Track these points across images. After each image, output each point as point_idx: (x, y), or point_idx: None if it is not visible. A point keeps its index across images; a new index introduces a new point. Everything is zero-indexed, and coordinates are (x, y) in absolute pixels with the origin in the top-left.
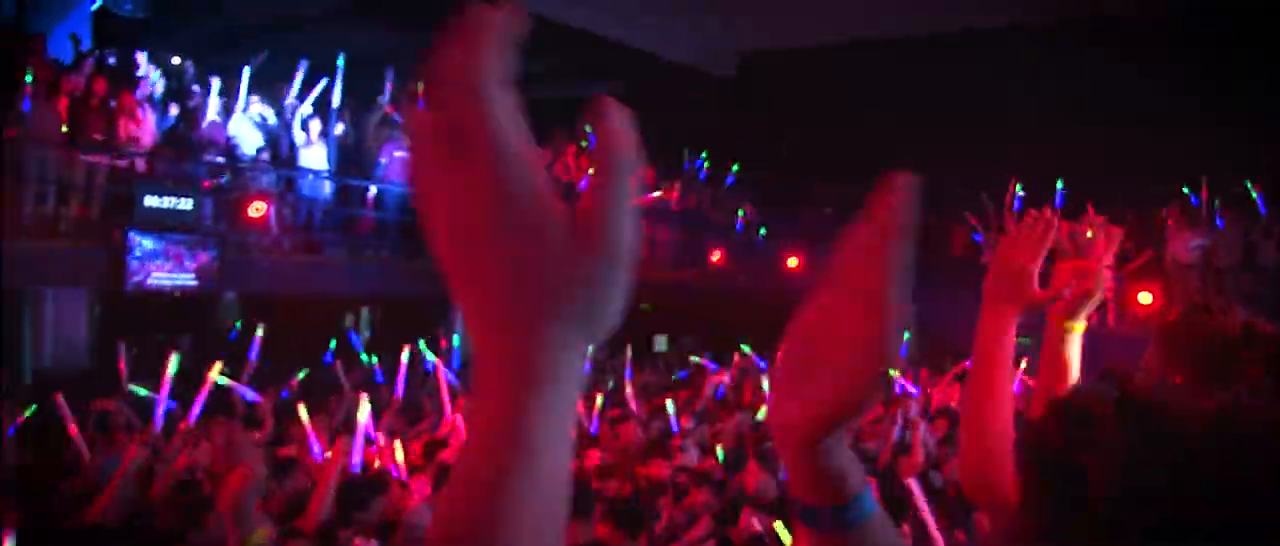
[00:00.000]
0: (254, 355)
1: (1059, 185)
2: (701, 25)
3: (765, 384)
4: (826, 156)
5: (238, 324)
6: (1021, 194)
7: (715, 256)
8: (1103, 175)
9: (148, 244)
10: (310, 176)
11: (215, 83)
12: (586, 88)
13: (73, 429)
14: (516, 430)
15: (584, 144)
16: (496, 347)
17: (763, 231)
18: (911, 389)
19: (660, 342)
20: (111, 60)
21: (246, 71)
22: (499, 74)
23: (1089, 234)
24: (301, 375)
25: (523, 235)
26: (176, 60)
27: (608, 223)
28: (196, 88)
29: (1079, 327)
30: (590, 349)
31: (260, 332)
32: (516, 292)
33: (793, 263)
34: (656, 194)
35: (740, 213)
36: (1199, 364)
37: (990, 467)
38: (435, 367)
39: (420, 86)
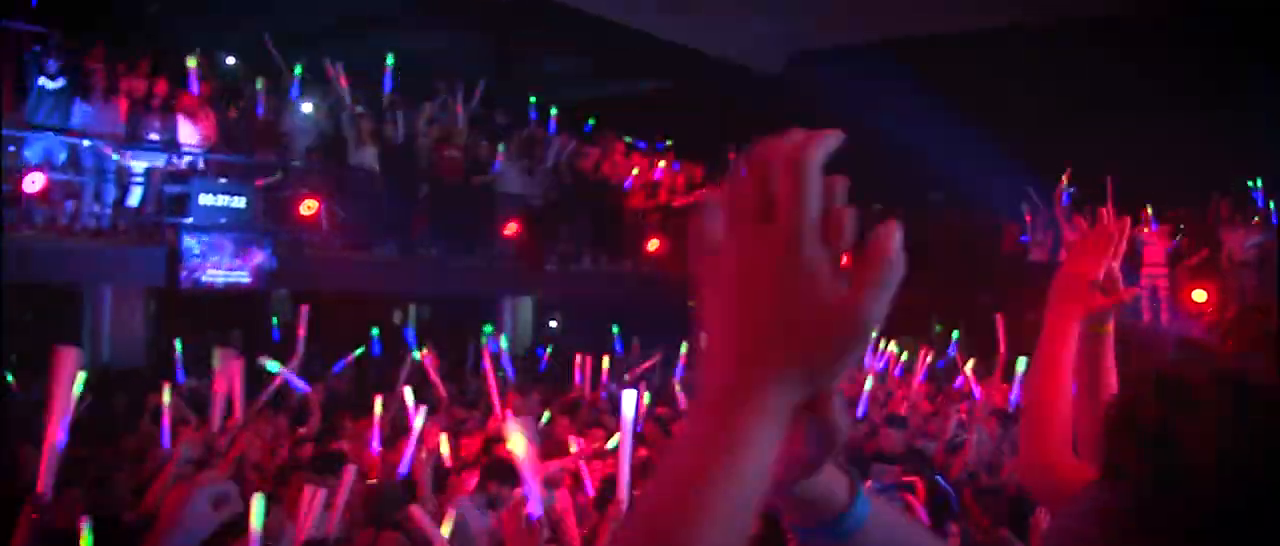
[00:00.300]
0: (301, 346)
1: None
2: (749, 21)
3: None
4: (873, 156)
5: (274, 320)
6: (1071, 190)
7: None
8: (1155, 172)
9: (202, 242)
10: (361, 175)
11: (269, 83)
12: (632, 85)
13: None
14: (729, 450)
15: (630, 141)
16: (734, 380)
17: None
18: (971, 387)
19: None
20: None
21: (299, 71)
22: (820, 164)
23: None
24: (358, 352)
25: (796, 300)
26: (232, 60)
27: (865, 314)
28: (251, 88)
29: (1108, 329)
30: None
31: (305, 318)
32: (773, 343)
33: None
34: (702, 191)
35: None
36: None
37: (1051, 466)
38: (486, 364)
39: (742, 154)
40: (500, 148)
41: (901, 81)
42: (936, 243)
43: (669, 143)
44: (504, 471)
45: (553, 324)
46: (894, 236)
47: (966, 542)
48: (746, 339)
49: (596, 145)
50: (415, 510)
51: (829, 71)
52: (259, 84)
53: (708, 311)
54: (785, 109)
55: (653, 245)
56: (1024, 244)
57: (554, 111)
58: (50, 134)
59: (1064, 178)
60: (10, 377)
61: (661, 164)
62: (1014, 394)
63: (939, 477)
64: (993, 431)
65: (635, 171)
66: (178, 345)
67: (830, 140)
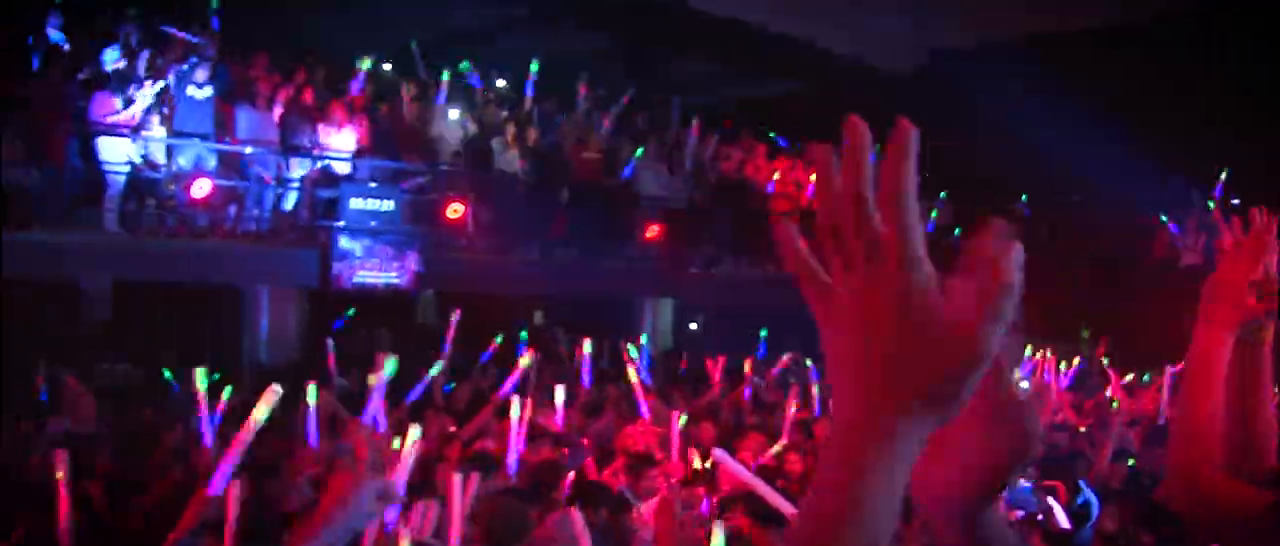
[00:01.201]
0: (448, 347)
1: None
2: (883, 21)
3: None
4: (1013, 157)
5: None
6: (1224, 192)
7: None
8: None
9: (353, 244)
10: (504, 178)
11: (417, 90)
12: (768, 87)
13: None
14: (856, 488)
15: (772, 142)
16: (861, 417)
17: (957, 232)
18: (1118, 396)
19: None
20: (322, 73)
21: (445, 77)
22: (914, 186)
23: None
24: (499, 339)
25: (913, 335)
26: (385, 67)
27: (982, 343)
28: (400, 95)
29: (1265, 337)
30: None
31: (454, 319)
32: (894, 379)
33: None
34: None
35: (933, 214)
36: None
37: (1200, 481)
38: (625, 365)
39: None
40: (640, 151)
41: (1041, 80)
42: (1081, 246)
43: (807, 144)
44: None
45: (693, 326)
46: (1011, 258)
47: None
48: (869, 376)
49: (738, 147)
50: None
51: (966, 70)
52: (407, 90)
53: (830, 350)
54: (920, 109)
55: None
56: (1176, 248)
57: (694, 115)
58: (200, 140)
59: (1220, 178)
60: (168, 374)
61: (802, 165)
62: (1164, 403)
63: (1082, 482)
64: (1135, 439)
65: (777, 173)
66: (329, 344)
67: (910, 146)
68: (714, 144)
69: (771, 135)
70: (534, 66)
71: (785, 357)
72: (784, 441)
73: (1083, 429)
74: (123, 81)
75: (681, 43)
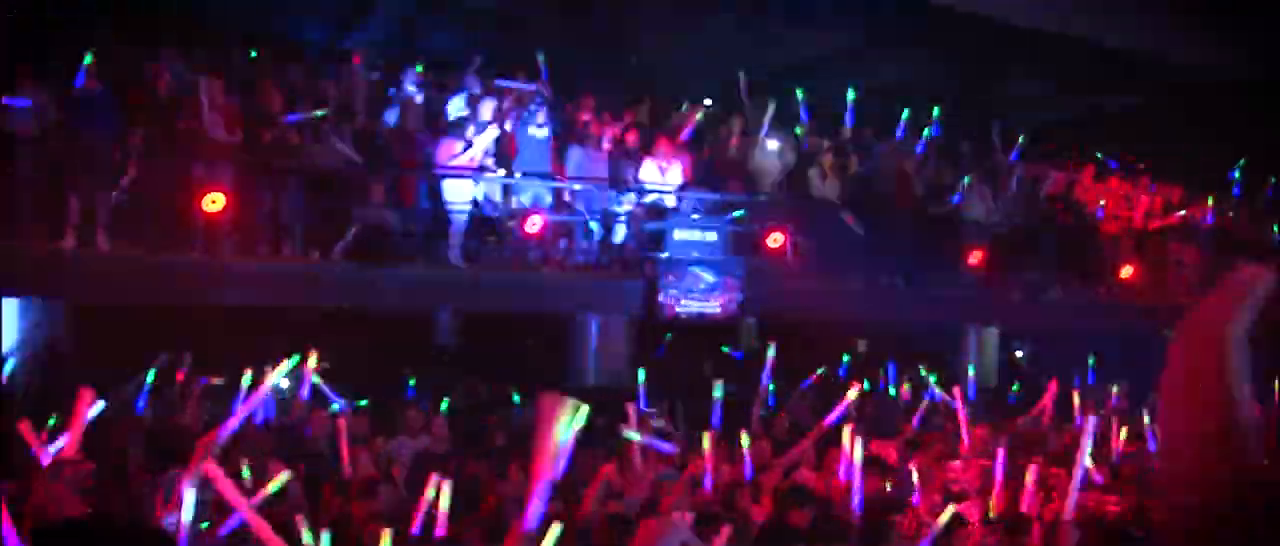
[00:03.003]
0: (767, 377)
1: None
2: (1221, 23)
3: None
4: None
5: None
6: None
7: None
8: None
9: (677, 274)
10: (824, 207)
11: (740, 122)
12: (1099, 104)
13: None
14: None
15: (1101, 162)
16: None
17: None
18: None
19: None
20: (648, 107)
21: (771, 109)
22: (1244, 327)
23: None
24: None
25: (1223, 463)
26: (707, 102)
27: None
28: (721, 128)
29: None
30: None
31: (772, 353)
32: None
33: None
34: (1182, 213)
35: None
36: None
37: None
38: (945, 395)
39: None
40: (964, 177)
41: None
42: None
43: (1142, 164)
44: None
45: (1019, 354)
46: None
47: None
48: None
49: (1064, 169)
50: None
51: None
52: (732, 124)
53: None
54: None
55: (1126, 272)
56: None
57: (1020, 135)
58: (538, 178)
59: None
60: (517, 398)
61: (1135, 186)
62: None
63: None
64: None
65: (1107, 195)
66: (640, 374)
67: (1259, 284)
68: (1039, 166)
69: (1098, 155)
70: (851, 95)
71: (1114, 389)
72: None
73: None
74: (463, 128)
75: (1010, 63)
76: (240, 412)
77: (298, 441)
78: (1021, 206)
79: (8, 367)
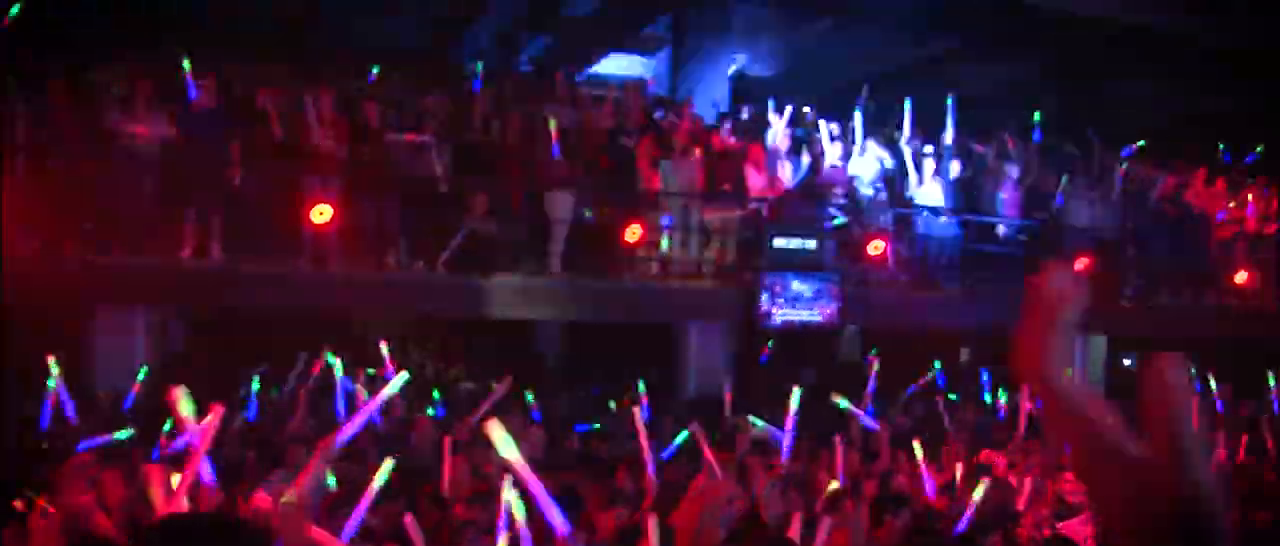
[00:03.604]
0: (872, 387)
1: None
2: None
3: None
4: None
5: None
6: None
7: None
8: None
9: (778, 283)
10: (925, 213)
11: (834, 128)
12: (1205, 103)
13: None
14: None
15: (1213, 163)
16: None
17: None
18: None
19: None
20: (745, 115)
21: (859, 116)
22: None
23: None
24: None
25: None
26: (806, 110)
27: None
28: (819, 135)
29: None
30: None
31: (875, 362)
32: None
33: None
34: None
35: None
36: None
37: None
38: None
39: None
40: (1065, 180)
41: None
42: None
43: (1256, 164)
44: None
45: (1127, 362)
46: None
47: None
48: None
49: (1172, 171)
50: None
51: None
52: (829, 131)
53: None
54: None
55: (1240, 277)
56: None
57: (1126, 137)
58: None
59: None
60: (613, 405)
61: (1249, 186)
62: None
63: None
64: None
65: (1219, 197)
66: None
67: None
68: (1146, 169)
69: (1209, 162)
70: (949, 100)
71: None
72: None
73: None
74: None
75: (1114, 64)
76: (358, 418)
77: (401, 447)
78: (1129, 209)
79: (141, 376)
